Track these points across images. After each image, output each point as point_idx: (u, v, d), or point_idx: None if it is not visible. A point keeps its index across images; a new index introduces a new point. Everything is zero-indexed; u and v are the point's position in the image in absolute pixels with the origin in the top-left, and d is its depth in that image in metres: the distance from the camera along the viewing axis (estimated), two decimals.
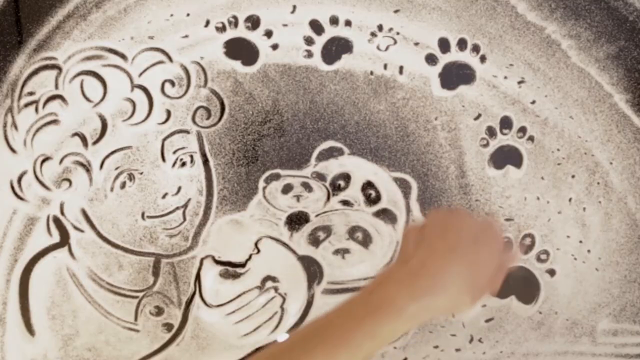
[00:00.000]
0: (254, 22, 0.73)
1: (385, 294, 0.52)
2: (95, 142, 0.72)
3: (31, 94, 0.72)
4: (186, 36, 0.73)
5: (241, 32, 0.73)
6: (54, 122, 0.72)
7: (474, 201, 0.75)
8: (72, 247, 0.74)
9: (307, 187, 0.74)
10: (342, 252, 0.75)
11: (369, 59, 0.74)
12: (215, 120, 0.74)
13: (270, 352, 0.53)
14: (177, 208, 0.74)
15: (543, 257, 0.75)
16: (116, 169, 0.73)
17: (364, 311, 0.51)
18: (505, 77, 0.74)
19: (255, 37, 0.73)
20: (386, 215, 0.75)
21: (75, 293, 0.74)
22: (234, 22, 0.73)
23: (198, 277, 0.74)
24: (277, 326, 0.75)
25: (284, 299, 0.74)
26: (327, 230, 0.75)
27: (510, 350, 0.76)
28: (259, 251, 0.74)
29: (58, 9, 0.72)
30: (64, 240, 0.74)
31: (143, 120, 0.73)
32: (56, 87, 0.72)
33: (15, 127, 0.72)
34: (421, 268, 0.53)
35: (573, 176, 0.75)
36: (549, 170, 0.75)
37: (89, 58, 0.72)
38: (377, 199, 0.75)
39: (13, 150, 0.73)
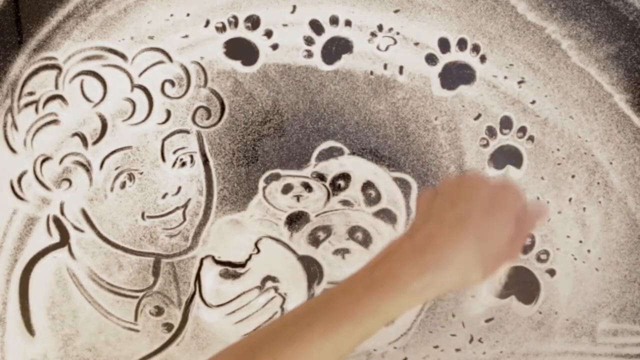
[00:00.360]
0: (254, 22, 0.73)
1: (389, 269, 0.50)
2: (95, 142, 0.72)
3: (31, 94, 0.72)
4: (186, 36, 0.73)
5: (241, 32, 0.73)
6: (54, 122, 0.72)
7: None
8: (72, 247, 0.74)
9: (307, 187, 0.74)
10: (342, 252, 0.75)
11: (369, 59, 0.74)
12: (215, 120, 0.74)
13: (272, 327, 0.52)
14: (177, 208, 0.74)
15: (543, 257, 0.75)
16: (116, 169, 0.73)
17: (365, 286, 0.50)
18: (505, 77, 0.74)
19: (255, 37, 0.73)
20: (386, 215, 0.75)
21: (75, 293, 0.74)
22: (234, 22, 0.73)
23: (198, 277, 0.74)
24: None
25: (284, 299, 0.74)
26: (327, 230, 0.75)
27: (510, 350, 0.76)
28: (259, 251, 0.74)
29: (58, 9, 0.72)
30: (64, 240, 0.74)
31: (143, 120, 0.73)
32: (56, 87, 0.72)
33: (15, 127, 0.72)
34: (427, 243, 0.51)
35: (573, 176, 0.75)
36: (549, 170, 0.75)
37: (89, 58, 0.72)
38: (377, 199, 0.75)
39: (13, 150, 0.73)
